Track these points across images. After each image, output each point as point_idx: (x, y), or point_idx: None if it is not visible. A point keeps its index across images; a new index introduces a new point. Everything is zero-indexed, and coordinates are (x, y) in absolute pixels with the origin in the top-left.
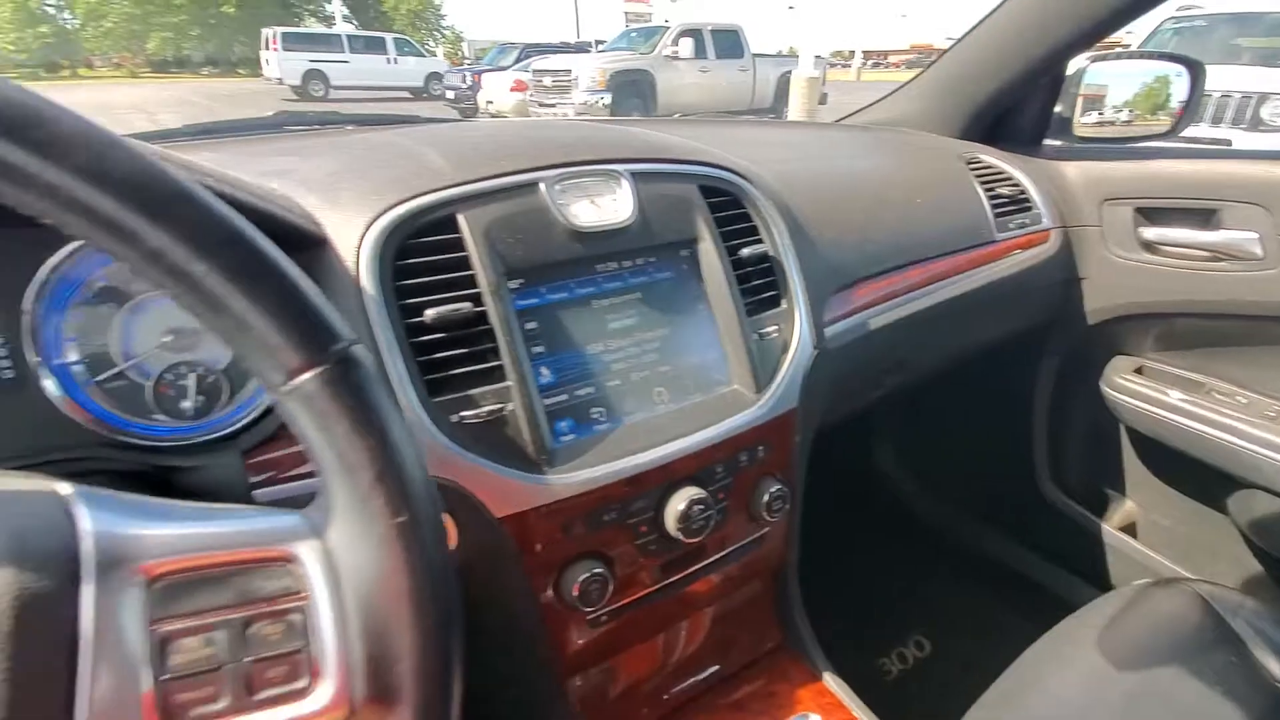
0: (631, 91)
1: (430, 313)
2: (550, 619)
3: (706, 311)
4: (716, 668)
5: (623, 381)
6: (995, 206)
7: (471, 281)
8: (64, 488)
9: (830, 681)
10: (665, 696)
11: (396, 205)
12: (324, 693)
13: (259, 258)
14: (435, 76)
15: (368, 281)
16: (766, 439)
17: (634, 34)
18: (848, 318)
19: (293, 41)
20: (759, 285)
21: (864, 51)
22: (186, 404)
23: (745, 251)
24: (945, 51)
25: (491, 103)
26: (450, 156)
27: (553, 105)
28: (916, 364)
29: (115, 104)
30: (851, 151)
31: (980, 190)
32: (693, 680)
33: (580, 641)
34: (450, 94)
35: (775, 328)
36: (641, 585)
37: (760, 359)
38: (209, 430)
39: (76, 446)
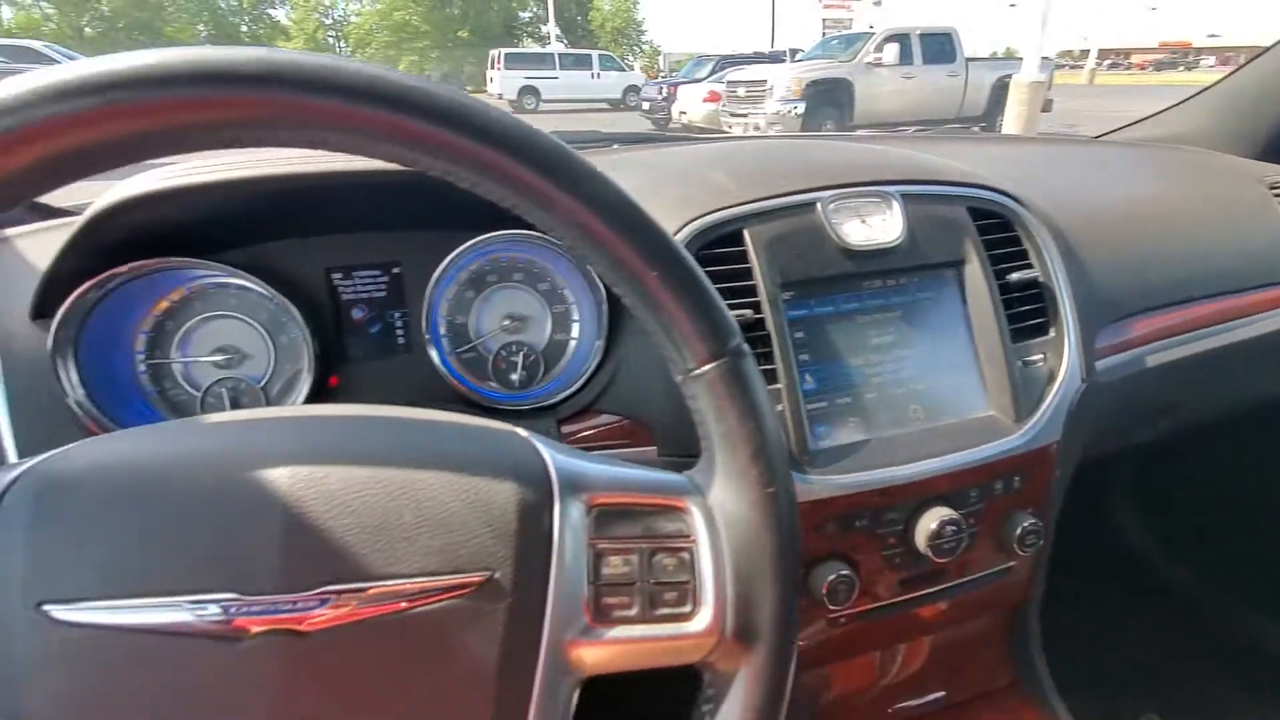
0: (826, 100)
1: None
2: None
3: (967, 334)
4: (942, 694)
5: (879, 395)
6: None
7: (753, 291)
8: (521, 431)
9: None
10: (889, 710)
11: (694, 220)
12: (703, 619)
13: (687, 267)
14: (633, 89)
15: None
16: (1024, 470)
17: (834, 42)
18: (1121, 352)
19: (513, 61)
20: (1026, 312)
21: (1099, 50)
22: (514, 376)
23: (1014, 276)
24: (1251, 60)
25: (685, 113)
26: (734, 176)
27: (744, 115)
28: (1193, 409)
29: None
30: (1126, 171)
31: None
32: (917, 701)
33: (816, 639)
34: (645, 105)
35: (1041, 357)
36: (882, 595)
37: (1023, 387)
38: (532, 399)
39: (443, 401)
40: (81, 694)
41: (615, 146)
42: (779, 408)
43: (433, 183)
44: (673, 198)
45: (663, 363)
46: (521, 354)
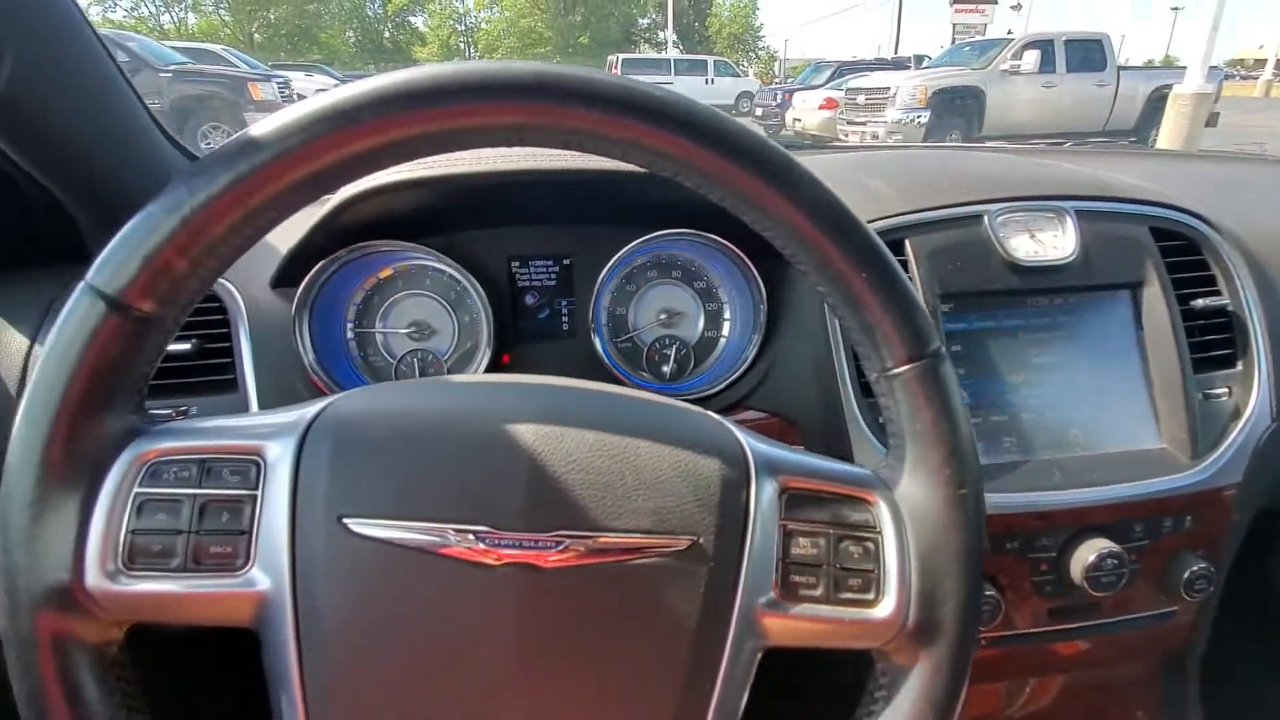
0: (954, 109)
1: None
2: None
3: (1139, 361)
4: None
5: (1037, 416)
6: None
7: None
8: (713, 415)
9: None
10: None
11: None
12: (885, 608)
13: (895, 271)
14: (746, 95)
15: None
16: (1196, 509)
17: (967, 48)
18: None
19: (630, 66)
20: (1210, 341)
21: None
22: (666, 369)
23: (1199, 303)
24: None
25: (799, 120)
26: (895, 185)
27: (862, 124)
28: None
29: None
30: None
31: None
32: None
33: None
34: (759, 111)
35: (1225, 391)
36: (1026, 623)
37: (1202, 422)
38: (681, 392)
39: None
40: (366, 596)
41: None
42: None
43: (606, 183)
44: None
45: (816, 364)
46: (674, 348)
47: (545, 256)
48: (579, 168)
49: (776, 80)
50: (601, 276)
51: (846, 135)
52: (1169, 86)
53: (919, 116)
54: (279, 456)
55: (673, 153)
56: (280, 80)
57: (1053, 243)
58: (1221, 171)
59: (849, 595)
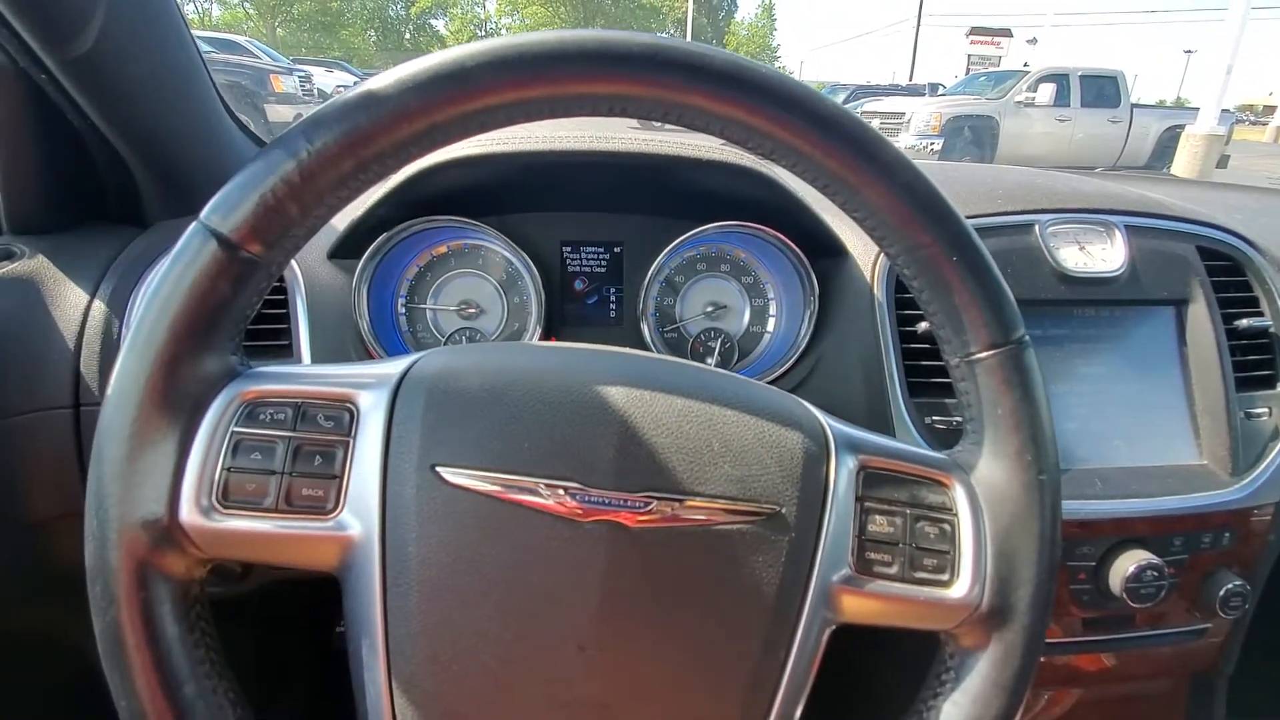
0: (968, 138)
1: (922, 325)
2: None
3: (1182, 377)
4: None
5: (1081, 426)
6: None
7: None
8: (790, 394)
9: None
10: None
11: None
12: (959, 589)
13: (986, 258)
14: None
15: (879, 291)
16: (1235, 527)
17: (982, 78)
18: None
19: None
20: (1252, 361)
21: None
22: (710, 360)
23: (1243, 323)
24: None
25: None
26: (948, 191)
27: None
28: None
29: None
30: None
31: None
32: None
33: None
34: None
35: (1266, 411)
36: (1058, 633)
37: (1243, 440)
38: None
39: None
40: (455, 544)
41: None
42: None
43: (661, 170)
44: None
45: (864, 363)
46: (719, 340)
47: (597, 243)
48: (643, 151)
49: None
50: (655, 266)
51: None
52: (1181, 126)
53: (932, 143)
54: (372, 405)
55: (773, 132)
56: (302, 74)
57: (1101, 255)
58: (1251, 200)
59: (923, 575)
